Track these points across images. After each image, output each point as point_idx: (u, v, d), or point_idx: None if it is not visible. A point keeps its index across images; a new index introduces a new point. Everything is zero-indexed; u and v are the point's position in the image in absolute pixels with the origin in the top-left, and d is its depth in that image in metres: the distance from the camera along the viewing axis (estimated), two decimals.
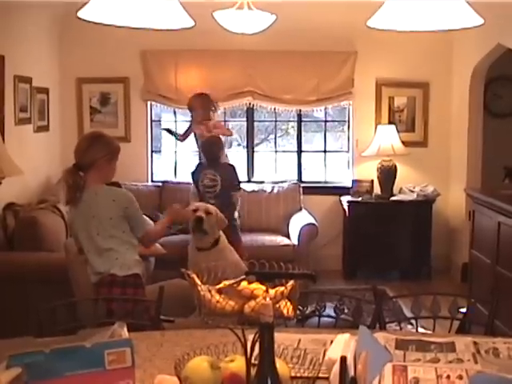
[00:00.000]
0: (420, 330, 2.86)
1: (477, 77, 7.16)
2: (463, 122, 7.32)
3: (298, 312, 2.23)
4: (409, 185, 7.66)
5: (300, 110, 8.00)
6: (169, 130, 7.60)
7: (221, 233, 5.04)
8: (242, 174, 7.38)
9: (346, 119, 8.14)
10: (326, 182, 8.20)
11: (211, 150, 6.36)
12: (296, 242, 6.93)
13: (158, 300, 2.90)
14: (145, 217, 4.27)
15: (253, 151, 8.24)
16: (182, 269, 2.18)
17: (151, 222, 6.04)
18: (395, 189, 7.65)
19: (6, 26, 6.03)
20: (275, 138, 8.46)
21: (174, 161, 8.23)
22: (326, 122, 8.27)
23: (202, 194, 6.23)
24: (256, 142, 8.42)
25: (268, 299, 1.88)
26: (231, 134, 7.39)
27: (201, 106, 7.04)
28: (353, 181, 7.76)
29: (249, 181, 8.02)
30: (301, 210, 7.60)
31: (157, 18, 2.17)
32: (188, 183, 6.88)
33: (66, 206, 4.08)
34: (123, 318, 2.40)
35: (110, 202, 3.94)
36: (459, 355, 2.19)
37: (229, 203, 6.15)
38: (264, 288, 2.04)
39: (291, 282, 2.06)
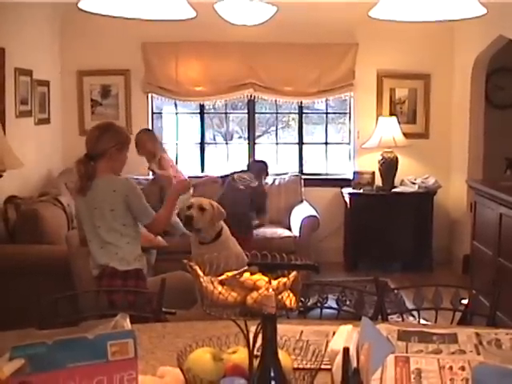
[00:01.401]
0: (422, 321, 2.87)
1: (478, 68, 7.14)
2: (465, 113, 7.31)
3: (300, 303, 2.23)
4: (410, 176, 7.65)
5: (301, 102, 8.00)
6: None
7: (223, 224, 5.01)
8: (242, 166, 7.38)
9: (347, 111, 8.13)
10: (327, 174, 8.20)
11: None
12: (297, 234, 6.93)
13: (159, 292, 2.89)
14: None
15: (254, 143, 8.23)
16: (184, 260, 2.17)
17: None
18: (396, 181, 7.65)
19: (7, 18, 6.01)
20: (276, 130, 8.46)
21: (176, 153, 8.22)
22: (327, 113, 8.26)
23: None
24: (257, 134, 8.41)
25: (270, 290, 1.88)
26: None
27: (148, 140, 7.00)
28: (354, 173, 7.76)
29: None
30: (302, 201, 7.60)
31: (158, 9, 2.16)
32: (189, 175, 6.88)
33: (78, 195, 4.07)
34: (125, 310, 2.40)
35: (111, 192, 3.94)
36: (461, 346, 2.18)
37: None
38: (266, 279, 2.04)
39: (294, 273, 2.06)
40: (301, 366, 1.97)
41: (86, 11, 2.14)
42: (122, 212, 3.96)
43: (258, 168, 7.14)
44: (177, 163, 8.15)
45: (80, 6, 2.08)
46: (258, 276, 2.06)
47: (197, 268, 2.05)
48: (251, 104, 8.12)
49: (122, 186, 3.99)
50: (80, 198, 4.05)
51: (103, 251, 3.97)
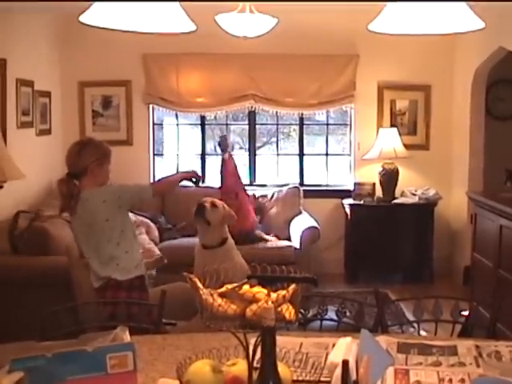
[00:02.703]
0: (422, 333, 2.87)
1: (478, 80, 7.16)
2: (465, 124, 7.32)
3: (299, 315, 2.23)
4: (411, 188, 7.66)
5: (302, 113, 8.02)
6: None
7: (229, 235, 5.05)
8: (244, 177, 7.39)
9: (348, 122, 8.14)
10: (327, 185, 8.20)
11: None
12: (298, 245, 6.92)
13: (159, 303, 2.89)
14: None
15: (255, 154, 8.24)
16: (184, 272, 2.18)
17: (152, 224, 6.07)
18: (397, 192, 7.65)
19: (8, 29, 6.04)
20: (277, 141, 8.46)
21: (176, 164, 8.23)
22: (327, 125, 8.26)
23: None
24: (258, 145, 8.42)
25: (270, 303, 1.88)
26: None
27: None
28: (355, 184, 7.76)
29: (251, 184, 8.02)
30: (302, 213, 7.59)
31: (158, 22, 2.17)
32: (189, 186, 6.87)
33: (61, 214, 4.08)
34: (125, 322, 2.40)
35: (102, 203, 3.91)
36: (461, 359, 2.18)
37: None
38: (266, 292, 2.05)
39: (293, 286, 2.07)
40: (300, 378, 1.98)
41: (87, 24, 2.14)
42: (118, 218, 3.95)
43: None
44: None
45: (81, 19, 2.09)
46: (257, 288, 2.06)
47: (196, 280, 2.05)
48: (252, 115, 8.14)
49: (110, 194, 3.96)
50: (72, 218, 4.04)
51: (104, 265, 3.96)
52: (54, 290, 4.56)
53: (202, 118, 8.11)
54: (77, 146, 4.00)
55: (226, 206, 5.02)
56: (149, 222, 6.73)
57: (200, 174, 4.56)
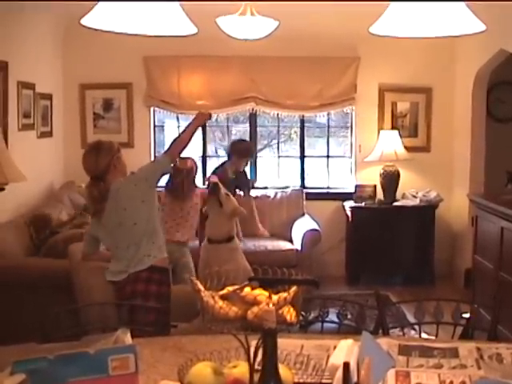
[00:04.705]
0: (423, 335, 2.87)
1: (479, 82, 7.16)
2: (466, 127, 7.32)
3: (300, 318, 2.23)
4: (412, 190, 7.66)
5: (303, 116, 8.02)
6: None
7: (236, 237, 5.16)
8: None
9: (349, 125, 8.14)
10: (328, 188, 8.21)
11: None
12: (299, 248, 6.93)
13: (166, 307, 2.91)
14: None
15: (256, 157, 8.24)
16: (186, 274, 2.19)
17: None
18: (398, 194, 7.65)
19: (10, 32, 6.04)
20: (278, 144, 8.47)
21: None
22: (328, 127, 8.27)
23: None
24: (259, 147, 8.43)
25: (271, 305, 1.88)
26: None
27: None
28: (356, 186, 7.76)
29: (252, 186, 8.02)
30: (303, 215, 7.60)
31: (159, 25, 2.18)
32: None
33: (93, 217, 4.20)
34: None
35: (133, 187, 4.03)
36: (462, 361, 2.19)
37: None
38: (267, 294, 2.05)
39: (294, 288, 2.07)
40: (301, 381, 1.98)
41: (88, 27, 2.15)
42: (151, 198, 4.09)
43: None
44: None
45: (83, 22, 2.09)
46: (258, 291, 2.07)
47: (197, 283, 2.05)
48: (253, 117, 8.14)
49: (138, 179, 4.09)
50: (96, 220, 4.13)
51: (139, 248, 4.03)
52: (56, 293, 4.56)
53: None
54: (92, 151, 4.10)
55: (236, 202, 5.28)
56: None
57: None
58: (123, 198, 4.01)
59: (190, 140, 4.34)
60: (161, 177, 4.19)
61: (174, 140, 4.27)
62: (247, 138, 8.19)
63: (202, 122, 4.45)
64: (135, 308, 3.28)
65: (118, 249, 4.07)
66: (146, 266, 3.98)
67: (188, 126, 4.36)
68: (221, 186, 5.23)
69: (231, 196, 5.37)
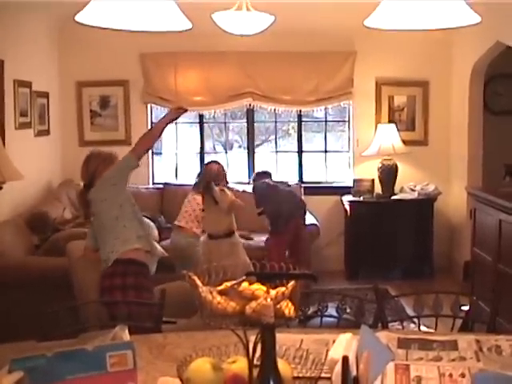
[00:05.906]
0: (422, 328, 2.87)
1: (476, 75, 7.16)
2: (463, 120, 7.32)
3: (299, 312, 2.23)
4: (410, 184, 7.66)
5: (300, 111, 8.01)
6: None
7: (236, 232, 5.17)
8: (242, 176, 7.38)
9: (347, 119, 8.14)
10: (326, 182, 8.21)
11: None
12: None
13: (160, 302, 2.90)
14: None
15: (253, 152, 8.24)
16: (184, 270, 2.18)
17: (152, 223, 6.09)
18: (396, 188, 7.65)
19: (6, 30, 6.03)
20: (276, 139, 8.46)
21: (175, 163, 8.23)
22: (326, 122, 8.27)
23: None
24: (257, 142, 8.42)
25: (269, 300, 1.88)
26: None
27: None
28: (354, 180, 7.76)
29: (250, 182, 8.01)
30: None
31: (154, 21, 2.17)
32: (189, 185, 6.88)
33: (86, 220, 4.48)
34: (126, 321, 2.40)
35: (100, 188, 4.14)
36: (461, 353, 2.18)
37: None
38: (265, 289, 2.05)
39: (292, 283, 2.07)
40: (301, 375, 1.98)
41: (82, 24, 2.14)
42: (114, 196, 4.14)
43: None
44: (177, 173, 8.18)
45: (77, 18, 2.09)
46: (256, 286, 2.06)
47: (195, 278, 2.05)
48: (250, 113, 8.14)
49: (103, 180, 4.16)
50: (89, 221, 4.38)
51: (106, 244, 4.12)
52: (56, 291, 4.56)
53: (201, 117, 8.12)
54: (85, 160, 4.32)
55: (233, 196, 5.30)
56: (148, 221, 6.72)
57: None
58: (96, 201, 4.17)
59: (160, 135, 4.41)
60: (128, 174, 4.21)
61: (144, 135, 4.29)
62: (244, 135, 8.19)
63: (174, 117, 4.42)
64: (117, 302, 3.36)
65: (100, 248, 4.19)
66: (111, 262, 4.04)
67: (159, 121, 4.39)
68: (213, 184, 5.20)
69: (226, 190, 5.34)
